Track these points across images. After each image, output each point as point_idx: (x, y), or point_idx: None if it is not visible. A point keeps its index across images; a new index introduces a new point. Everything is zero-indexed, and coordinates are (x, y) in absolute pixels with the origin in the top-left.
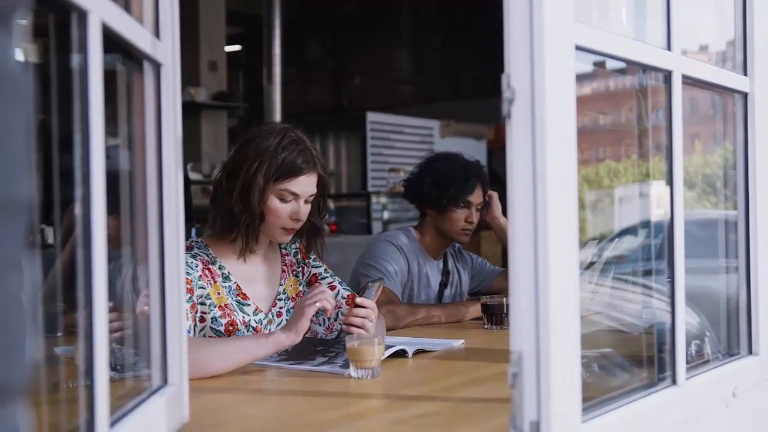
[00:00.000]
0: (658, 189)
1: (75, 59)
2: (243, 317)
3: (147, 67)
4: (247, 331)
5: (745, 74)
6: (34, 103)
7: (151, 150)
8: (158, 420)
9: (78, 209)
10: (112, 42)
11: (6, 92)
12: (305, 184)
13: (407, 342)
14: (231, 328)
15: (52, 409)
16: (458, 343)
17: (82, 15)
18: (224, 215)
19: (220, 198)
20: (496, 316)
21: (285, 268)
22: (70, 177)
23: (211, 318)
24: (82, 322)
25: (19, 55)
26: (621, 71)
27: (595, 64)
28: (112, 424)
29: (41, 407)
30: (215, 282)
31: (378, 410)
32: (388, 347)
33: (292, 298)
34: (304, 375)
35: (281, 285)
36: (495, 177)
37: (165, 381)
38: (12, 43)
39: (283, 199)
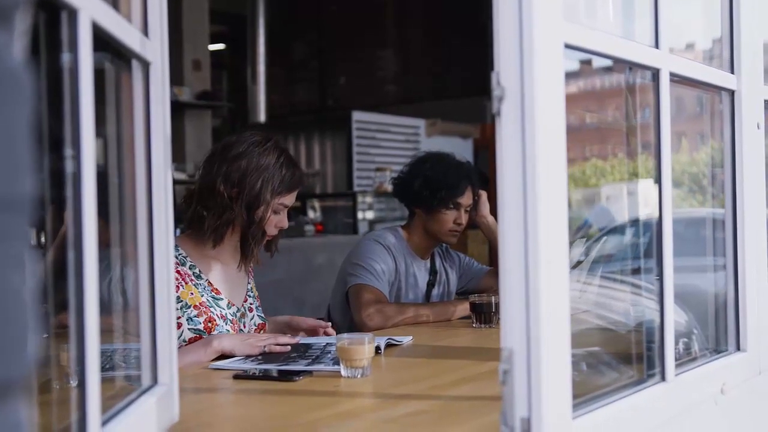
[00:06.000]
0: (645, 187)
1: (65, 57)
2: (220, 311)
3: (135, 66)
4: (225, 324)
5: (732, 72)
6: (33, 102)
7: (139, 149)
8: (149, 419)
9: (68, 210)
10: (101, 40)
11: (9, 90)
12: (294, 196)
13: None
14: (210, 324)
15: (41, 409)
16: (407, 340)
17: (72, 13)
18: (225, 225)
19: (219, 207)
20: (485, 314)
21: (250, 268)
22: (59, 177)
23: (187, 319)
24: (73, 323)
25: (20, 54)
26: (607, 69)
27: (582, 62)
28: (104, 423)
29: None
30: (186, 283)
31: (369, 409)
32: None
33: (257, 297)
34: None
35: (249, 283)
36: (481, 176)
37: (155, 380)
38: (13, 42)
39: (276, 212)
